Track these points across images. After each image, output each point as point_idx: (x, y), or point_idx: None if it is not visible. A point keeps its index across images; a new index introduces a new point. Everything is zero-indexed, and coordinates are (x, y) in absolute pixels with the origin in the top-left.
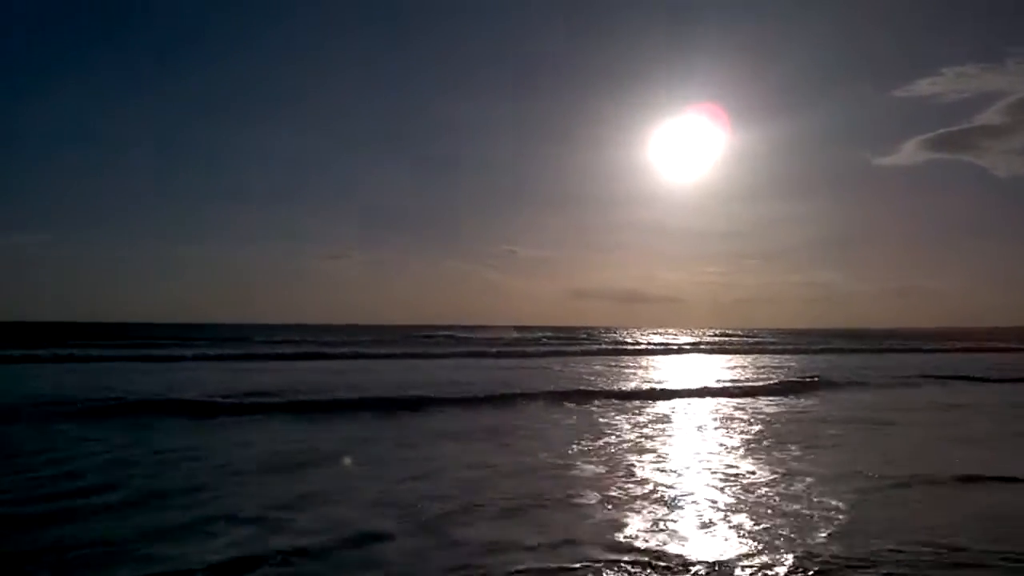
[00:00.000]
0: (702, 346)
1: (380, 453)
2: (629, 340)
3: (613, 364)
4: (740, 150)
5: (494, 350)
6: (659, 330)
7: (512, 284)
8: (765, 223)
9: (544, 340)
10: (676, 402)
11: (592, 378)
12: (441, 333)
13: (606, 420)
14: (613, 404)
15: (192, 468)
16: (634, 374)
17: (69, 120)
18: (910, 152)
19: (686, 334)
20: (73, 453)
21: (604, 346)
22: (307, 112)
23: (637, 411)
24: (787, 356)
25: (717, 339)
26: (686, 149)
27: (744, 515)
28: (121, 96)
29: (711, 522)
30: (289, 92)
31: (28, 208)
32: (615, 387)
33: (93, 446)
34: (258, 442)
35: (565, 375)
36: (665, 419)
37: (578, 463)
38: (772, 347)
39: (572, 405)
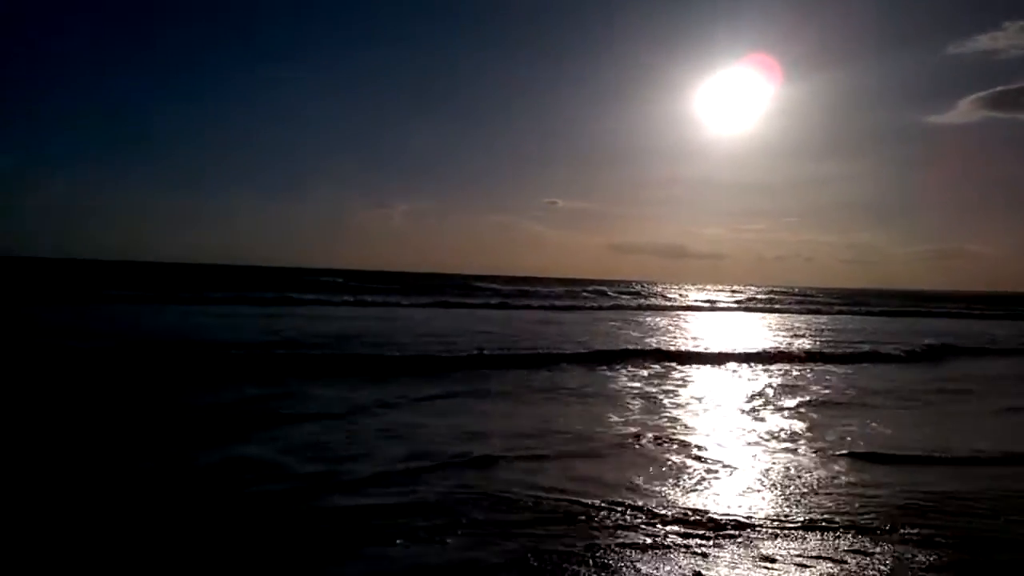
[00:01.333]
0: (772, 304)
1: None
2: (684, 296)
3: (695, 322)
4: (788, 104)
5: (560, 304)
6: (705, 286)
7: (553, 236)
8: (810, 180)
9: (609, 295)
10: (847, 368)
11: (687, 337)
12: (489, 286)
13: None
14: (752, 370)
15: None
16: (721, 333)
17: (123, 70)
18: (965, 111)
19: (737, 291)
20: None
21: (661, 302)
22: (353, 65)
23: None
24: (869, 318)
25: (775, 297)
26: (733, 102)
27: None
28: (176, 52)
29: None
30: (334, 47)
31: (74, 148)
32: (734, 349)
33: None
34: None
35: (651, 332)
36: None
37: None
38: (840, 308)
39: (674, 365)
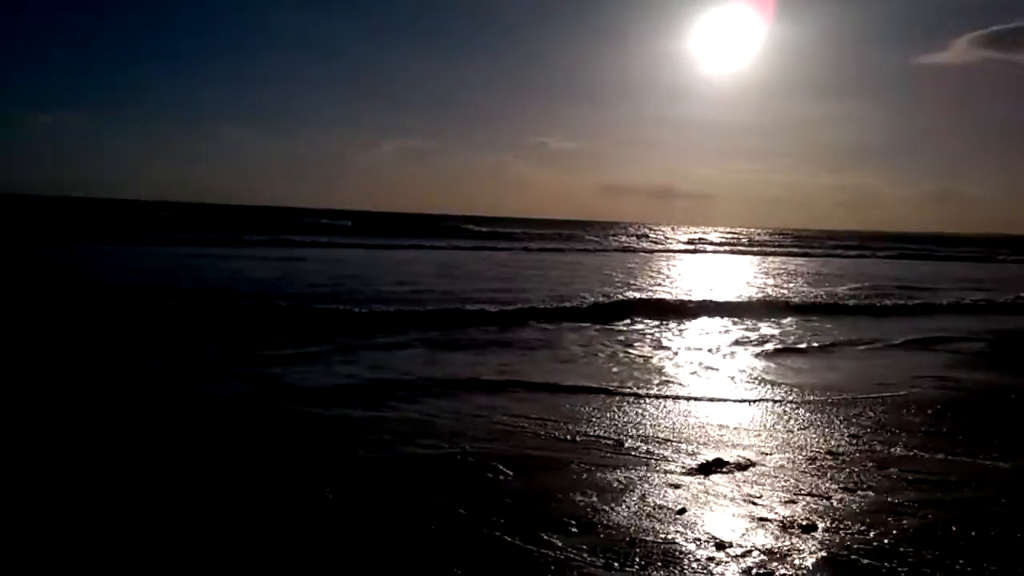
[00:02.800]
0: (779, 246)
1: None
2: (680, 237)
3: (701, 265)
4: (781, 43)
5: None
6: (698, 228)
7: (542, 177)
8: (802, 120)
9: (598, 236)
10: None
11: (685, 283)
12: (481, 228)
13: None
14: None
15: None
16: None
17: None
18: (960, 50)
19: (734, 232)
20: None
21: (651, 244)
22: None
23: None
24: (909, 261)
25: (777, 239)
26: (726, 40)
27: None
28: None
29: None
30: None
31: (64, 85)
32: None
33: None
34: None
35: (644, 277)
36: None
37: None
38: (858, 251)
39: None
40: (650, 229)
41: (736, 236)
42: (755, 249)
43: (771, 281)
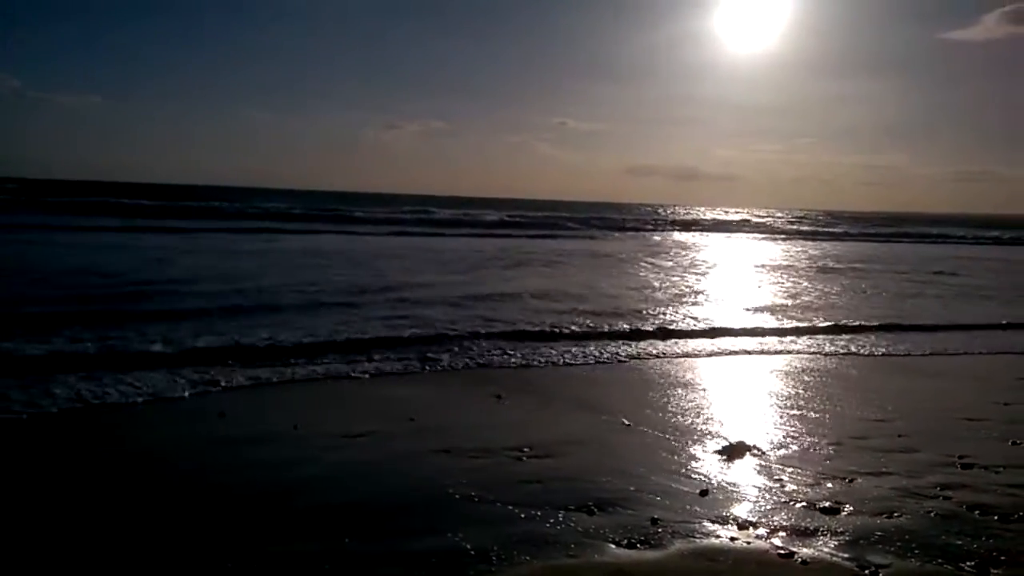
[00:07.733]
0: (823, 230)
1: None
2: (718, 219)
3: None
4: (807, 21)
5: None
6: (727, 209)
7: (564, 158)
8: (827, 100)
9: (627, 219)
10: None
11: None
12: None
13: None
14: None
15: None
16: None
17: None
18: (990, 26)
19: (769, 214)
20: None
21: (682, 230)
22: None
23: None
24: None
25: (828, 223)
26: (751, 19)
27: None
28: None
29: None
30: None
31: (86, 68)
32: None
33: None
34: None
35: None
36: None
37: None
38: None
39: None
40: (683, 210)
41: (799, 219)
42: (818, 235)
43: None
